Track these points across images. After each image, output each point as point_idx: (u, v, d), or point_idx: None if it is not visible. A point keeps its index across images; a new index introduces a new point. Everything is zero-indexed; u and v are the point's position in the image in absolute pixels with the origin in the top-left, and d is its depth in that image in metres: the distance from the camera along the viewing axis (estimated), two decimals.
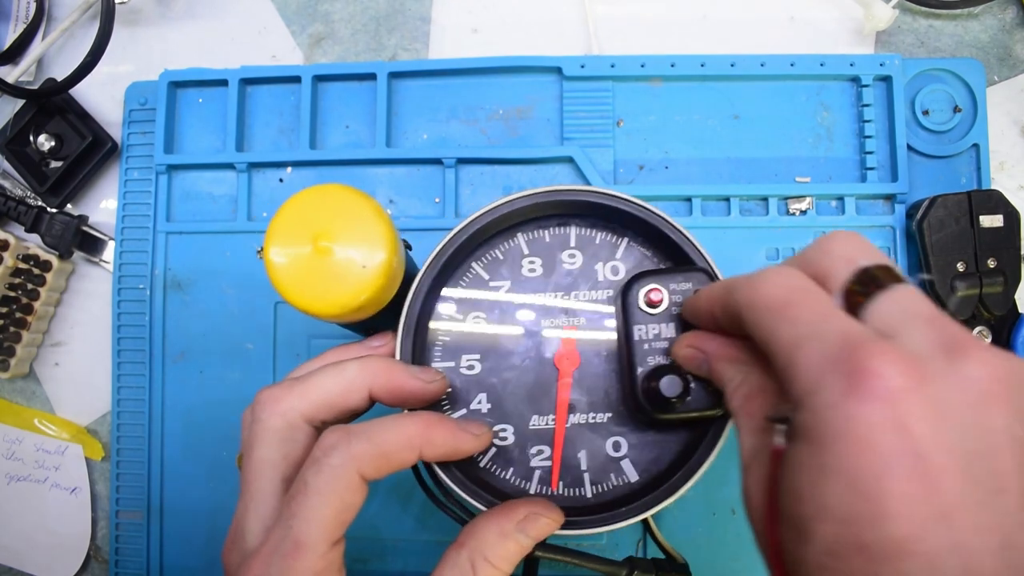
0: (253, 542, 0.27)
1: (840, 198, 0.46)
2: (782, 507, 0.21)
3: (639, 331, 0.31)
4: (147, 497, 0.48)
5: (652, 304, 0.31)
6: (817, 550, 0.19)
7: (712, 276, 0.31)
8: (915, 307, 0.21)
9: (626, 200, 0.34)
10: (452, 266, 0.34)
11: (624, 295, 0.31)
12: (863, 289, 0.22)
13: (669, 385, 0.30)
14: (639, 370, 0.31)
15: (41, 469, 0.51)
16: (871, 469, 0.18)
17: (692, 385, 0.30)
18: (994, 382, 0.19)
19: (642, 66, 0.47)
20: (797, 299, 0.22)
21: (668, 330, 0.31)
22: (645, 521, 0.42)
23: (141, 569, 0.48)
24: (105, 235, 0.52)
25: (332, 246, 0.28)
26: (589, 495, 0.33)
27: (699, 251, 0.33)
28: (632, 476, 0.33)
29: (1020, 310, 0.44)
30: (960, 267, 0.43)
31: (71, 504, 0.51)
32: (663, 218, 0.33)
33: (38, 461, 0.52)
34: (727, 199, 0.46)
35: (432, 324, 0.34)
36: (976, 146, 0.46)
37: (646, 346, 0.31)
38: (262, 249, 0.29)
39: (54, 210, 0.51)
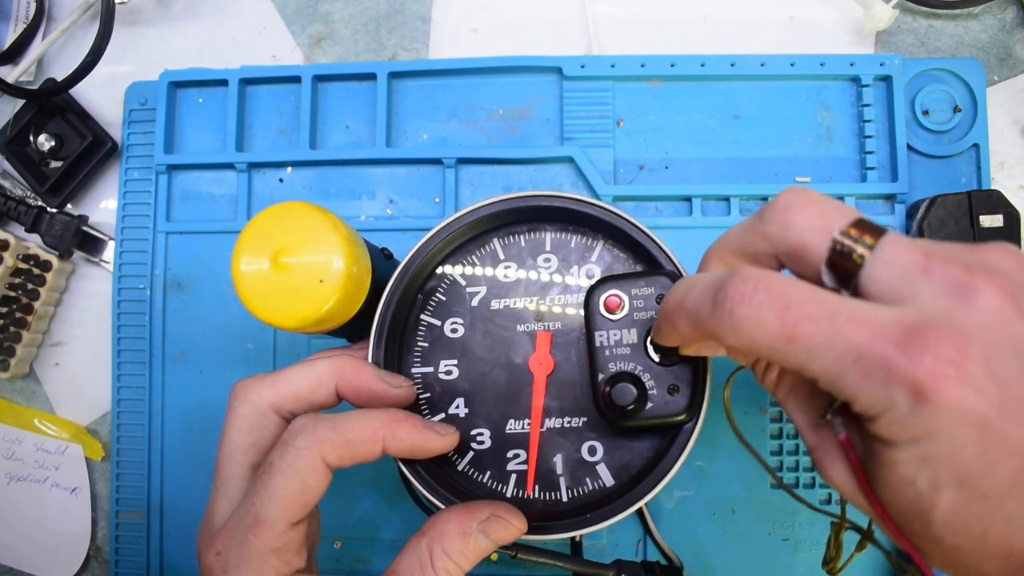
0: (220, 523, 0.28)
1: (840, 198, 0.46)
2: (888, 500, 0.22)
3: (600, 337, 0.31)
4: (147, 497, 0.48)
5: (611, 309, 0.31)
6: (949, 501, 0.20)
7: (676, 280, 0.31)
8: (906, 259, 0.21)
9: (591, 203, 0.34)
10: (426, 273, 0.35)
11: (587, 301, 0.31)
12: (849, 259, 0.22)
13: (621, 394, 0.30)
14: (600, 376, 0.30)
15: (41, 469, 0.51)
16: (970, 446, 0.19)
17: (652, 392, 0.30)
18: (1006, 299, 0.20)
19: (642, 66, 0.47)
20: (800, 322, 0.21)
21: (630, 336, 0.31)
22: (644, 522, 0.43)
23: (141, 569, 0.48)
24: (105, 235, 0.52)
25: (290, 262, 0.29)
26: (565, 499, 0.33)
27: (665, 253, 0.33)
28: (608, 480, 0.33)
29: None
30: None
31: (71, 504, 0.51)
32: (629, 221, 0.33)
33: (38, 461, 0.52)
34: (727, 199, 0.46)
35: (410, 331, 0.35)
36: (976, 146, 0.46)
37: (607, 352, 0.31)
38: None
39: (54, 210, 0.51)
